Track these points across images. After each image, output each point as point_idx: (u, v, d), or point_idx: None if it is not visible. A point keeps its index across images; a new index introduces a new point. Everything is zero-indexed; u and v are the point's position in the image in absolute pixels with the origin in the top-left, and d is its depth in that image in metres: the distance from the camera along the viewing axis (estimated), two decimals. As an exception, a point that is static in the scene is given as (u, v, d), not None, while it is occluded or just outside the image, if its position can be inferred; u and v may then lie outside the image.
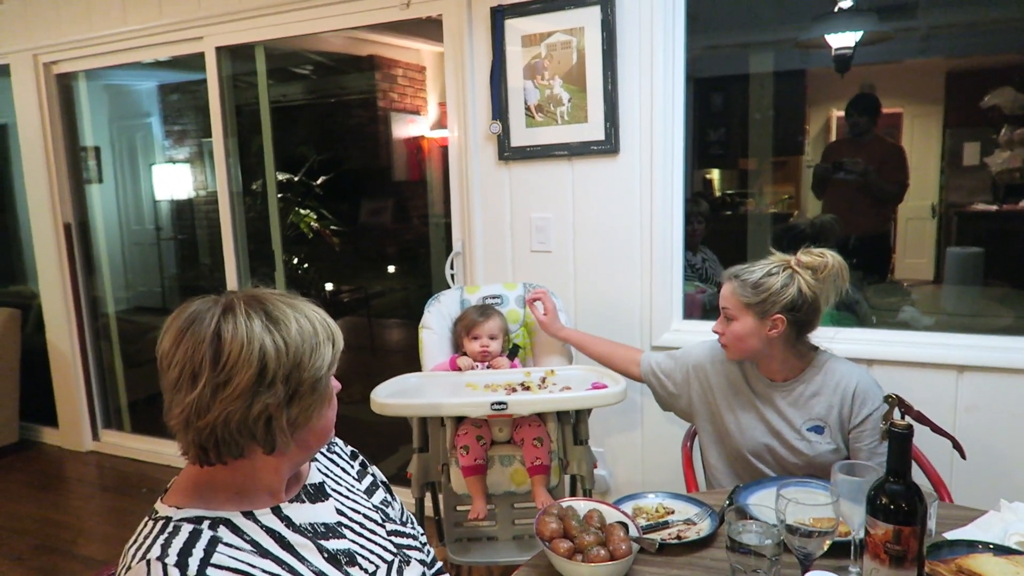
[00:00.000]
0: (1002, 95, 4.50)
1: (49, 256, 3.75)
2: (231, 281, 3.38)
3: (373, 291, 5.89)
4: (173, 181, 5.64)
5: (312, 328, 0.99)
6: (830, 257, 1.65)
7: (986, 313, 3.70)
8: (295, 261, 5.49)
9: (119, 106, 5.02)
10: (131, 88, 5.29)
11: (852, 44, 3.38)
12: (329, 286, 5.87)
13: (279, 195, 3.71)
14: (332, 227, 5.79)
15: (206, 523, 0.94)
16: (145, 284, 5.31)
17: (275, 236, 3.48)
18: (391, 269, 6.12)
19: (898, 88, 5.59)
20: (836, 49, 3.41)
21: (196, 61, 3.24)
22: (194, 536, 0.91)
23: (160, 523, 0.93)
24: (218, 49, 3.15)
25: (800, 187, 5.61)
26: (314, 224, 5.71)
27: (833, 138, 5.87)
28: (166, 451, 3.70)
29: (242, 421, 0.92)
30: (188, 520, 0.93)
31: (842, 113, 4.93)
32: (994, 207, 4.78)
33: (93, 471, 3.79)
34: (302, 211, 5.66)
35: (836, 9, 3.41)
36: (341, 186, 5.82)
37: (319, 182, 5.73)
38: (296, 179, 5.67)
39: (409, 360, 2.28)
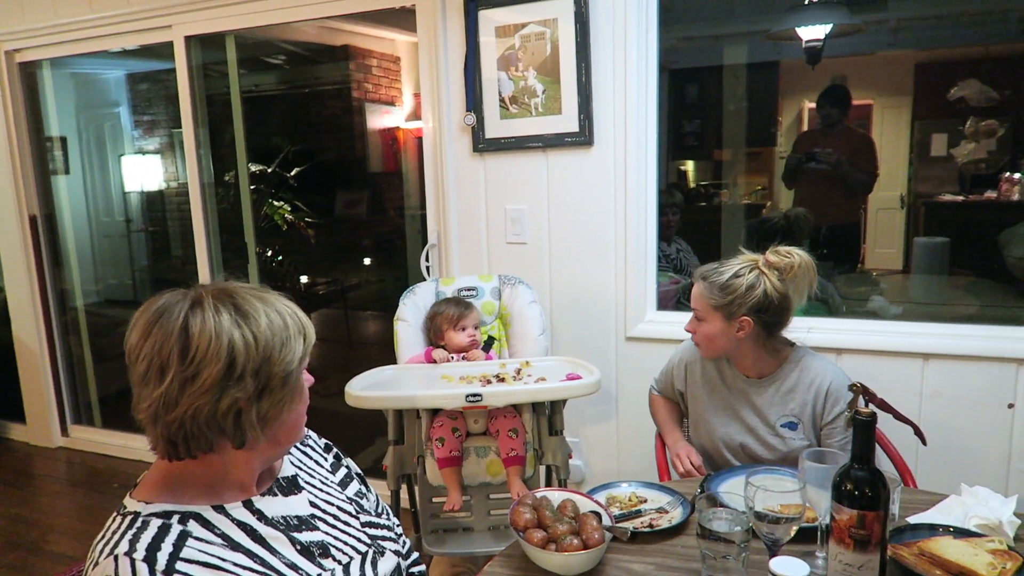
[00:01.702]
0: (968, 87, 4.59)
1: (14, 249, 3.67)
2: (203, 274, 3.34)
3: (349, 283, 5.85)
4: (143, 172, 5.55)
5: (282, 322, 0.98)
6: (796, 256, 1.66)
7: (952, 301, 3.78)
8: (269, 253, 5.44)
9: (86, 95, 4.92)
10: (99, 77, 5.18)
11: (822, 36, 3.42)
12: (304, 279, 5.83)
13: (252, 187, 3.66)
14: (307, 219, 5.74)
15: (175, 517, 0.93)
16: (115, 277, 5.22)
17: (248, 228, 3.44)
18: (367, 261, 6.09)
19: (868, 80, 5.67)
20: (807, 41, 3.45)
21: (165, 50, 3.18)
22: (163, 531, 0.90)
23: (128, 518, 0.92)
24: (187, 38, 3.09)
25: (773, 178, 5.67)
26: (288, 216, 5.65)
27: (805, 129, 5.94)
28: (137, 446, 3.65)
29: (211, 415, 0.92)
30: (157, 515, 0.92)
31: (814, 104, 4.99)
32: (960, 197, 4.88)
33: (63, 467, 3.73)
34: (276, 203, 5.60)
35: (807, 1, 3.45)
36: (316, 177, 5.76)
37: (293, 173, 5.67)
38: (270, 170, 5.60)
39: (386, 352, 2.27)
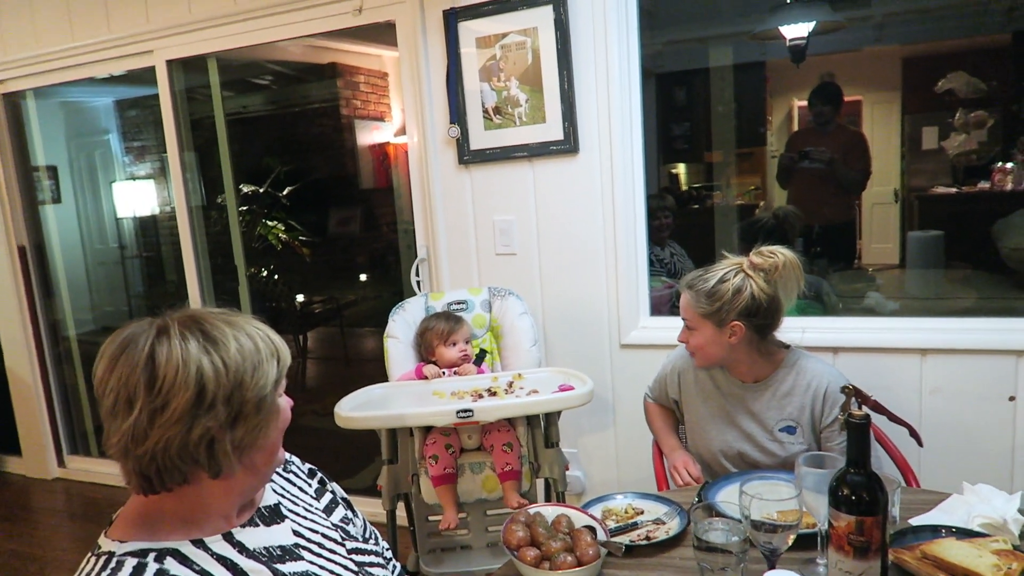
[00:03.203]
0: (956, 79, 4.59)
1: (4, 280, 3.65)
2: (193, 297, 3.32)
3: (345, 301, 5.83)
4: (135, 198, 5.54)
5: (253, 345, 0.95)
6: (780, 256, 1.62)
7: (948, 295, 3.76)
8: (264, 274, 5.42)
9: (75, 124, 4.91)
10: (87, 105, 5.18)
11: (806, 34, 3.42)
12: (300, 297, 5.81)
13: (245, 207, 3.64)
14: (301, 238, 5.73)
15: (152, 555, 0.90)
16: (111, 304, 5.20)
17: (237, 250, 3.42)
18: (362, 278, 6.07)
19: (857, 76, 5.66)
20: (790, 40, 3.45)
21: (150, 75, 3.17)
22: (138, 570, 0.87)
23: (103, 559, 0.89)
24: (169, 62, 3.08)
25: (766, 178, 5.66)
26: (282, 235, 5.63)
27: (795, 128, 5.95)
28: (136, 474, 3.61)
29: (183, 446, 0.89)
30: (132, 553, 0.89)
31: (803, 103, 4.99)
32: (954, 189, 4.87)
33: (60, 498, 3.69)
34: (269, 223, 5.59)
35: (788, 0, 3.45)
36: (308, 196, 5.75)
37: (285, 193, 5.66)
38: (262, 191, 5.59)
39: (383, 369, 2.24)
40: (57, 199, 4.14)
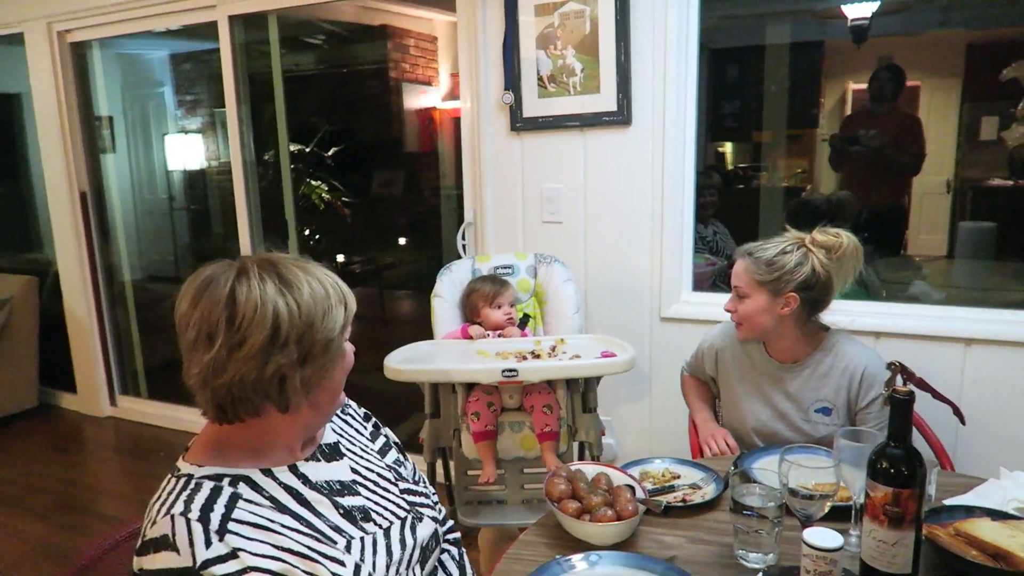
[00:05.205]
0: (1021, 68, 4.43)
1: (65, 224, 3.80)
2: (245, 251, 3.42)
3: (384, 263, 5.92)
4: (185, 151, 5.66)
5: (324, 291, 1.01)
6: (845, 238, 1.64)
7: (998, 287, 3.69)
8: (306, 232, 5.51)
9: (131, 75, 5.02)
10: (143, 57, 5.28)
11: (869, 14, 3.34)
12: (340, 257, 5.90)
13: (292, 166, 3.72)
14: (343, 199, 5.81)
15: (226, 480, 0.97)
16: (158, 253, 5.35)
17: (288, 206, 3.51)
18: (402, 241, 6.14)
19: (916, 60, 5.48)
20: (852, 19, 3.37)
21: (208, 30, 3.24)
22: (215, 492, 0.95)
23: (182, 480, 0.96)
24: (231, 18, 3.14)
25: (814, 161, 5.56)
26: (325, 195, 5.72)
27: (848, 111, 5.81)
28: (182, 416, 3.78)
29: (257, 380, 0.95)
30: (209, 477, 0.97)
31: (858, 86, 4.87)
32: (1010, 183, 4.74)
33: (111, 435, 3.87)
34: (313, 182, 5.68)
35: (854, -22, 3.37)
36: (352, 157, 5.81)
37: (330, 153, 5.73)
38: (308, 150, 5.67)
39: (420, 331, 2.30)
40: (113, 149, 4.26)
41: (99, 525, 2.86)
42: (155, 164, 5.40)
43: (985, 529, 1.11)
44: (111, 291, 4.00)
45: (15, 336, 3.87)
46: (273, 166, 3.67)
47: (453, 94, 5.46)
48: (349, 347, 1.08)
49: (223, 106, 3.29)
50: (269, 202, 3.57)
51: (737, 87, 5.19)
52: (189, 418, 3.76)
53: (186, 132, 5.73)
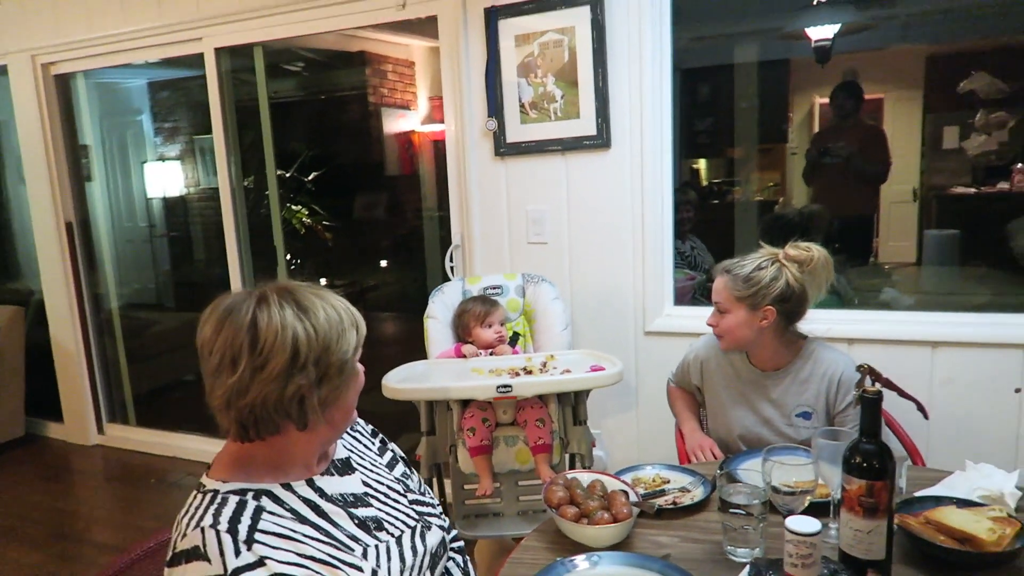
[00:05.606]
0: (978, 80, 4.64)
1: (52, 254, 3.82)
2: (234, 278, 3.46)
3: (367, 285, 5.96)
4: (164, 178, 5.67)
5: (338, 316, 1.09)
6: (815, 251, 1.76)
7: (962, 292, 3.85)
8: (288, 257, 5.54)
9: (109, 103, 5.02)
10: (121, 85, 5.30)
11: (831, 36, 3.49)
12: (323, 281, 5.93)
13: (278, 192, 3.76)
14: (324, 222, 5.85)
15: (250, 494, 1.04)
16: (139, 281, 5.34)
17: (276, 231, 3.55)
18: (384, 263, 6.19)
19: (880, 74, 5.70)
20: (816, 41, 3.52)
21: (189, 58, 3.29)
22: (240, 506, 1.01)
23: (209, 495, 1.03)
24: (217, 50, 3.21)
25: (785, 174, 5.73)
26: (306, 220, 5.76)
27: (816, 125, 6.00)
28: (172, 443, 3.79)
29: (278, 401, 1.02)
30: (234, 492, 1.03)
31: (824, 100, 5.03)
32: (972, 190, 4.93)
33: (99, 463, 3.87)
34: (294, 207, 5.72)
35: (815, 2, 3.52)
36: (333, 181, 5.86)
37: (311, 178, 5.78)
38: (288, 175, 5.72)
39: (405, 352, 2.36)
40: (89, 177, 4.28)
41: (94, 553, 2.87)
42: (134, 192, 5.40)
43: (952, 516, 1.21)
44: (98, 319, 4.01)
45: (1, 366, 3.87)
46: (253, 192, 3.71)
47: (432, 117, 5.56)
48: (360, 367, 1.15)
49: (202, 133, 3.34)
50: (252, 227, 3.61)
51: (709, 105, 5.35)
52: (179, 444, 3.78)
53: (164, 159, 5.74)
